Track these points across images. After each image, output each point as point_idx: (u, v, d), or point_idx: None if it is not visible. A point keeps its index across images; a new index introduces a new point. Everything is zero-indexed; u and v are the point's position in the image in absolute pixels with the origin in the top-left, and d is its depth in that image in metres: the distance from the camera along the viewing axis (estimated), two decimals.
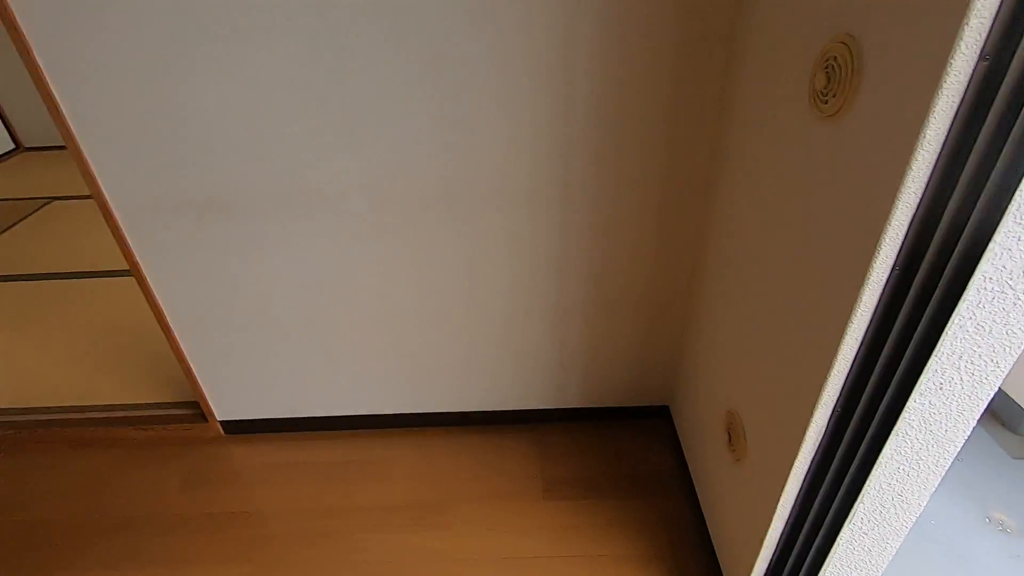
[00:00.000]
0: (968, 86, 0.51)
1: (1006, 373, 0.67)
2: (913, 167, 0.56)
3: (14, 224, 2.74)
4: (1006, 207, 0.55)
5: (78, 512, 1.43)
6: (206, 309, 1.36)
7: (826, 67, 0.69)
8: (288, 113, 1.08)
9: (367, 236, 1.24)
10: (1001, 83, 0.50)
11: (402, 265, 1.29)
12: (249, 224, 1.22)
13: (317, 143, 1.12)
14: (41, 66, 1.04)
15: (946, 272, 0.60)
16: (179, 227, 1.22)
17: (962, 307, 0.61)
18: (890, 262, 0.63)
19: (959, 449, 0.76)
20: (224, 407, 1.55)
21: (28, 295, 2.19)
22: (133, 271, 1.31)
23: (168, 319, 1.38)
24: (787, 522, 0.92)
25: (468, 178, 1.17)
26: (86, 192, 2.98)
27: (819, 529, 0.88)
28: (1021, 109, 0.50)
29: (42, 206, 2.90)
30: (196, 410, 1.58)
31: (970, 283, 0.59)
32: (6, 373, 1.81)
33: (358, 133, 1.11)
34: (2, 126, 3.51)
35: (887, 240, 0.61)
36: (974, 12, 0.48)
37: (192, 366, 1.46)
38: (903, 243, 0.61)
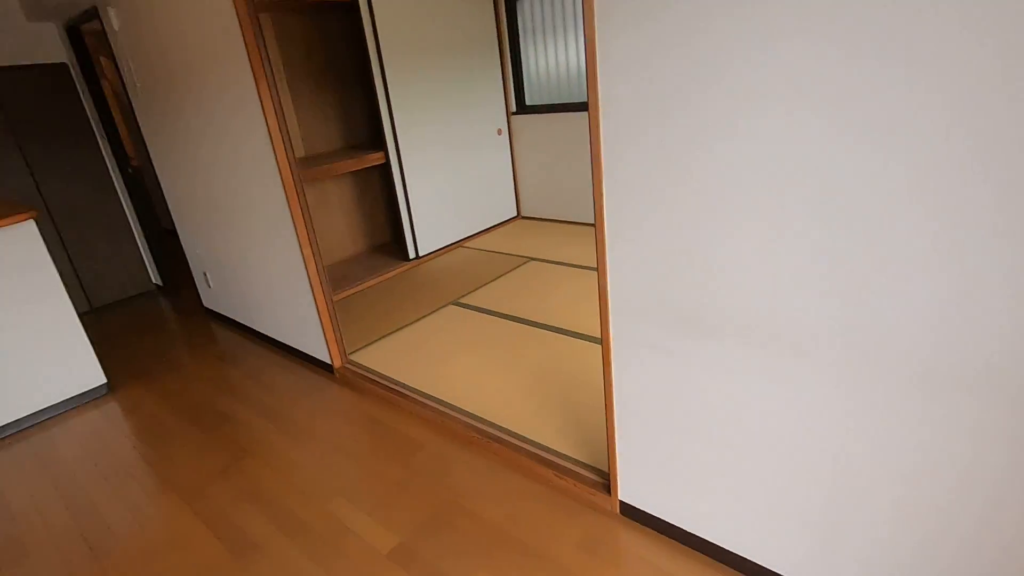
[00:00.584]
0: None
1: None
2: None
3: (504, 274, 3.69)
4: None
5: (495, 519, 1.76)
6: (647, 400, 1.50)
7: None
8: (778, 255, 1.10)
9: (826, 385, 1.14)
10: None
11: (852, 422, 1.13)
12: (715, 345, 1.29)
13: (800, 285, 1.10)
14: (604, 190, 1.36)
15: None
16: (655, 328, 1.39)
17: None
18: None
19: None
20: (627, 488, 1.67)
21: (505, 330, 2.90)
22: (603, 347, 1.56)
23: (613, 395, 1.58)
24: None
25: (968, 345, 0.94)
26: (555, 259, 3.83)
27: None
28: None
29: (524, 263, 3.83)
30: (604, 480, 1.76)
31: None
32: (479, 386, 2.41)
33: (847, 281, 1.04)
34: (514, 200, 4.83)
35: None
36: None
37: (616, 442, 1.63)
38: None
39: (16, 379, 2.59)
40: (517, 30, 4.40)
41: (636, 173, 1.29)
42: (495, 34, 4.38)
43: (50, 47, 3.83)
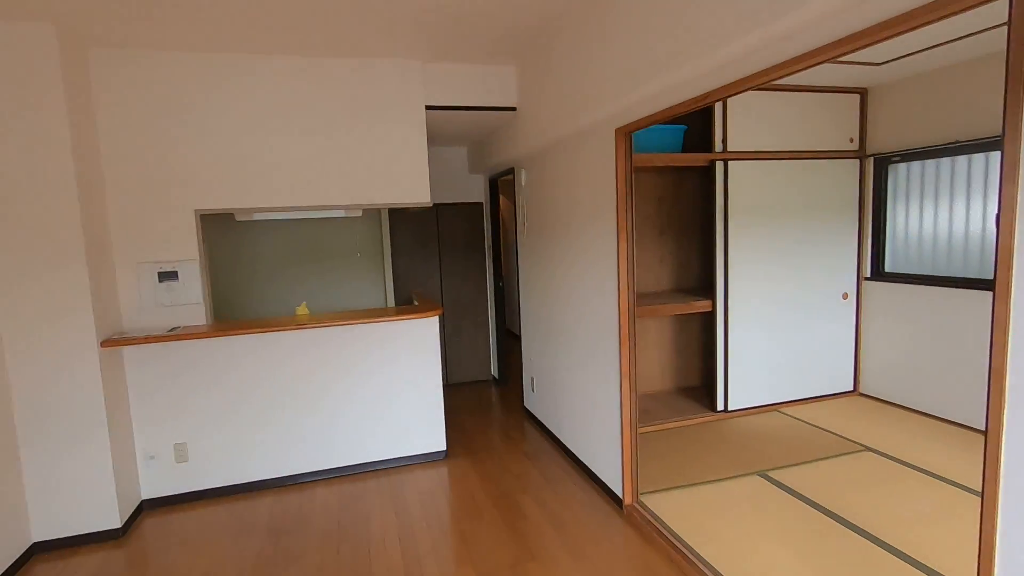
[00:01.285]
0: None
1: None
2: None
3: (831, 457, 3.18)
4: None
5: None
6: None
7: None
8: None
9: None
10: None
11: None
12: None
13: None
14: (1004, 416, 1.12)
15: None
16: None
17: None
18: None
19: None
20: None
21: (825, 529, 2.46)
22: None
23: None
24: None
25: None
26: (903, 457, 3.13)
27: None
28: None
29: (858, 451, 3.24)
30: None
31: None
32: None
33: None
34: (852, 373, 4.21)
35: None
36: None
37: None
38: None
39: (393, 429, 3.42)
40: (886, 193, 4.06)
41: None
42: (856, 196, 4.12)
43: (476, 191, 5.28)
